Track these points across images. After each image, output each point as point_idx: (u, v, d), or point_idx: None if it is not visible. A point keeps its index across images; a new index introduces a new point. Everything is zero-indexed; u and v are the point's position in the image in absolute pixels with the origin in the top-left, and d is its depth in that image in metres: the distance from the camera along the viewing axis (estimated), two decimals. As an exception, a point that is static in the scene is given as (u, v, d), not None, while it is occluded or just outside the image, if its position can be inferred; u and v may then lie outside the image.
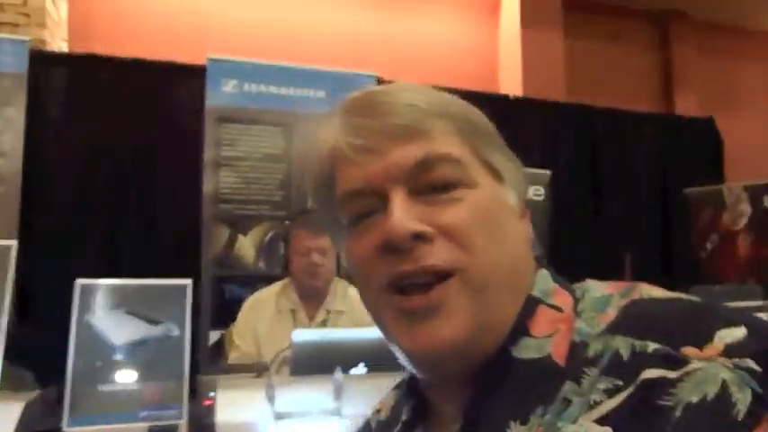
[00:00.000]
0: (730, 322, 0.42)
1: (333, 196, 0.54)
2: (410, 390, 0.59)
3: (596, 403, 0.42)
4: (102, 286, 1.29)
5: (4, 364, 1.29)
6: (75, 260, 3.22)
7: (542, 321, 0.50)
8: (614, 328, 0.45)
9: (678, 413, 0.38)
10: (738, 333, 0.41)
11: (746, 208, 4.48)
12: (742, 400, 0.37)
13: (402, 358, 0.53)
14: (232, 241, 3.35)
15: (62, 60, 3.66)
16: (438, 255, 0.48)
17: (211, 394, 1.43)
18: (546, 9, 4.91)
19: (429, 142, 0.50)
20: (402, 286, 0.49)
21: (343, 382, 1.15)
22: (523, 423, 0.45)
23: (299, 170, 3.56)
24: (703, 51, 5.65)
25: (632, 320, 0.45)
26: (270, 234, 3.42)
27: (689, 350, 0.41)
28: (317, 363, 1.51)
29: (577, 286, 0.53)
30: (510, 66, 4.91)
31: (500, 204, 0.53)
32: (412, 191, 0.50)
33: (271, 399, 1.11)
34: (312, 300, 2.19)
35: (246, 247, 3.39)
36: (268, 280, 3.36)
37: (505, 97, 4.54)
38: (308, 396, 1.19)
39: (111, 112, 3.52)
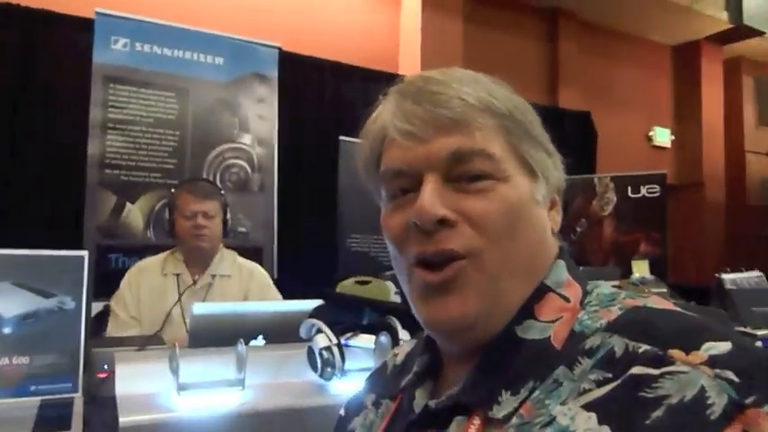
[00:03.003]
0: (719, 337, 0.45)
1: (377, 170, 0.59)
2: (428, 345, 0.64)
3: (585, 391, 0.46)
4: (-13, 255, 1.21)
5: None
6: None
7: (549, 308, 0.54)
8: (613, 328, 0.49)
9: (658, 412, 0.41)
10: (724, 347, 0.44)
11: (612, 196, 4.95)
12: (718, 402, 0.40)
13: (422, 325, 0.58)
14: (119, 209, 3.19)
15: None
16: (457, 240, 0.53)
17: (105, 367, 1.40)
18: (446, -6, 5.04)
19: (469, 136, 0.54)
20: (427, 262, 0.54)
21: (246, 354, 1.17)
22: (514, 394, 0.51)
23: (192, 138, 3.44)
24: (586, 49, 6.09)
25: (631, 323, 0.49)
26: (160, 203, 3.29)
27: (675, 352, 0.44)
28: (216, 335, 1.52)
29: (590, 282, 0.58)
30: (409, 47, 5.01)
31: (527, 199, 0.56)
32: (446, 178, 0.54)
33: (174, 370, 1.11)
34: (197, 264, 2.21)
35: (135, 215, 3.24)
36: (157, 250, 3.25)
37: (403, 78, 4.64)
38: (211, 367, 1.21)
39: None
